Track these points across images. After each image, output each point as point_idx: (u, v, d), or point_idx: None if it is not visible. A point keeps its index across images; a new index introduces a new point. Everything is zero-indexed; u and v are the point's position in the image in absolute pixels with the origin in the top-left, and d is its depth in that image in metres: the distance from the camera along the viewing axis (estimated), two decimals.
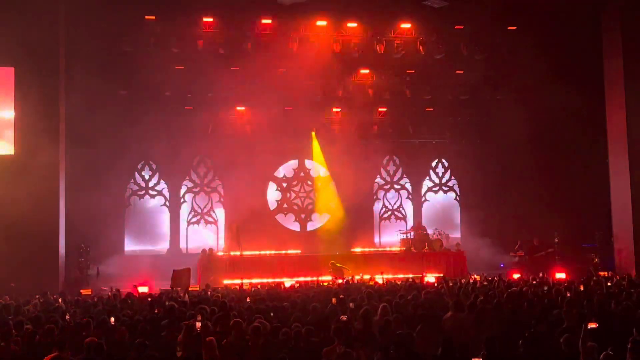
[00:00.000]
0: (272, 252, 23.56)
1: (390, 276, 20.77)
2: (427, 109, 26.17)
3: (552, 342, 8.14)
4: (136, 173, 26.25)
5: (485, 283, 16.15)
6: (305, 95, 23.91)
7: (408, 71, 24.66)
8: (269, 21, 22.09)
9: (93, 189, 22.23)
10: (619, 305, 10.67)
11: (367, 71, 24.51)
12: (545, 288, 13.80)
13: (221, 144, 25.06)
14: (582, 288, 13.59)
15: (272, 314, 10.83)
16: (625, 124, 21.29)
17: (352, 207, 26.09)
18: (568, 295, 11.96)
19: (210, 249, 23.02)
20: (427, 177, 28.51)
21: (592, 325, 7.86)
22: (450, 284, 15.41)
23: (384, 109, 25.94)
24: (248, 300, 13.20)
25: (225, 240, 26.03)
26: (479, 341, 8.17)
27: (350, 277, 19.76)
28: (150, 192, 26.37)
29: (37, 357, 8.24)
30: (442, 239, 24.67)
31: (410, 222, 27.77)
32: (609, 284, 15.05)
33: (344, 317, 9.61)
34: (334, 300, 12.14)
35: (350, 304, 11.80)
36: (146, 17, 21.55)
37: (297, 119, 25.25)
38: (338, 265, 21.73)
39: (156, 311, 11.31)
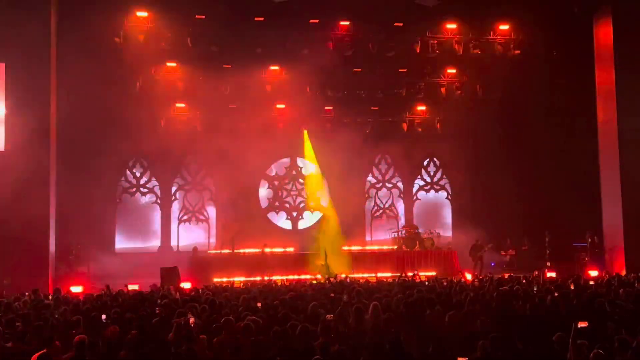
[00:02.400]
0: (264, 250, 23.53)
1: (381, 275, 20.81)
2: (418, 108, 26.23)
3: (546, 340, 8.18)
4: (127, 170, 26.18)
5: (477, 282, 16.20)
6: (298, 94, 23.86)
7: (401, 70, 24.69)
8: (262, 19, 22.06)
9: (84, 186, 22.14)
10: (608, 304, 10.72)
11: (359, 70, 24.49)
12: (535, 288, 13.83)
13: (213, 141, 24.97)
14: (572, 287, 13.65)
15: (263, 312, 10.81)
16: (615, 125, 21.38)
17: (343, 206, 26.08)
18: (556, 294, 12.01)
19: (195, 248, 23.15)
20: (419, 176, 28.56)
21: (582, 324, 7.91)
22: (445, 283, 15.47)
23: (376, 108, 25.96)
24: (239, 298, 13.16)
25: (216, 238, 26.01)
26: (467, 339, 8.22)
27: (343, 276, 19.76)
28: (142, 189, 26.31)
29: (27, 355, 8.19)
30: (434, 237, 24.72)
31: (402, 220, 27.82)
32: (591, 282, 15.14)
33: (330, 316, 9.63)
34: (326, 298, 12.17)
35: (345, 296, 11.88)
36: (138, 13, 21.48)
37: (289, 117, 25.25)
38: (321, 264, 21.66)
39: (157, 311, 11.24)
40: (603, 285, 14.15)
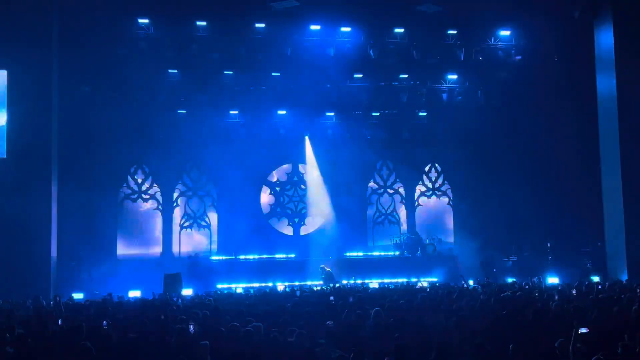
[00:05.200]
0: (266, 256, 23.53)
1: (383, 280, 20.78)
2: (420, 114, 26.24)
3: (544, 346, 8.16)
4: (129, 177, 26.15)
5: (479, 289, 16.17)
6: (299, 100, 23.89)
7: (402, 75, 24.71)
8: (263, 26, 22.14)
9: (85, 193, 22.15)
10: (610, 310, 10.70)
11: (360, 76, 24.53)
12: (536, 294, 13.80)
13: (214, 147, 25.01)
14: (574, 293, 13.63)
15: (265, 318, 10.80)
16: (617, 130, 21.37)
17: (345, 212, 26.06)
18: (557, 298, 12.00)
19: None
20: (421, 182, 28.51)
21: (583, 330, 7.89)
22: (446, 289, 15.45)
23: (378, 114, 25.98)
24: (241, 304, 13.17)
25: (218, 244, 26.02)
26: (469, 345, 8.21)
27: (345, 282, 19.77)
28: (143, 195, 26.29)
29: None
30: (435, 243, 24.69)
31: (404, 226, 27.78)
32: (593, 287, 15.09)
33: (330, 323, 9.64)
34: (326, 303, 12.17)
35: (350, 298, 11.90)
36: (140, 20, 21.54)
37: (290, 123, 25.27)
38: (328, 269, 21.71)
39: (163, 317, 11.24)
40: (605, 291, 14.11)
